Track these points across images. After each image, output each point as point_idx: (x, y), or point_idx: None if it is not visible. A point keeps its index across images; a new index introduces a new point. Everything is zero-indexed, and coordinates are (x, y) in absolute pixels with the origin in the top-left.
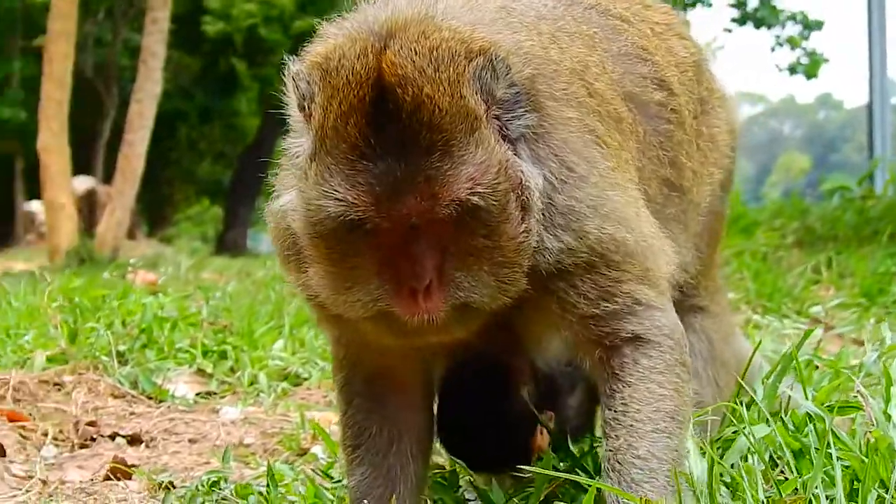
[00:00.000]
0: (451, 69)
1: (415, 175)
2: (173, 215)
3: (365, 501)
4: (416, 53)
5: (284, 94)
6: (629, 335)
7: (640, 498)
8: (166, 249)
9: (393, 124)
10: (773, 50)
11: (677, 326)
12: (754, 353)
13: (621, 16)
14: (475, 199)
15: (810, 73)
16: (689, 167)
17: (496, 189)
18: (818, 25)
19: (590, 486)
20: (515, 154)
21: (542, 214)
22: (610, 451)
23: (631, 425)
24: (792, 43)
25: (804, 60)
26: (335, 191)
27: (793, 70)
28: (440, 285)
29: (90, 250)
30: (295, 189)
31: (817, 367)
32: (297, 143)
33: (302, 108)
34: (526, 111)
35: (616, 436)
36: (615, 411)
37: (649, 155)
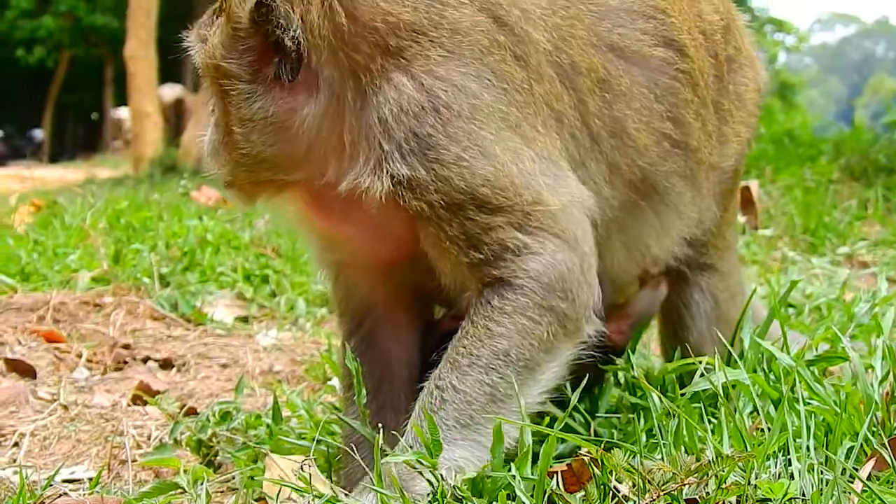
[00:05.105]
0: None
1: None
2: None
3: (352, 445)
4: None
5: None
6: (491, 279)
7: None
8: None
9: None
10: None
11: (552, 269)
12: (748, 302)
13: None
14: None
15: None
16: (697, 128)
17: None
18: None
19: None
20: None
21: (390, 136)
22: (433, 377)
23: (455, 359)
24: None
25: None
26: None
27: None
28: None
29: (174, 159)
30: None
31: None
32: None
33: None
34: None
35: (441, 366)
36: (452, 344)
37: (634, 106)
